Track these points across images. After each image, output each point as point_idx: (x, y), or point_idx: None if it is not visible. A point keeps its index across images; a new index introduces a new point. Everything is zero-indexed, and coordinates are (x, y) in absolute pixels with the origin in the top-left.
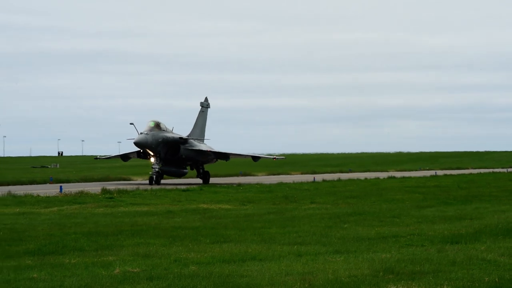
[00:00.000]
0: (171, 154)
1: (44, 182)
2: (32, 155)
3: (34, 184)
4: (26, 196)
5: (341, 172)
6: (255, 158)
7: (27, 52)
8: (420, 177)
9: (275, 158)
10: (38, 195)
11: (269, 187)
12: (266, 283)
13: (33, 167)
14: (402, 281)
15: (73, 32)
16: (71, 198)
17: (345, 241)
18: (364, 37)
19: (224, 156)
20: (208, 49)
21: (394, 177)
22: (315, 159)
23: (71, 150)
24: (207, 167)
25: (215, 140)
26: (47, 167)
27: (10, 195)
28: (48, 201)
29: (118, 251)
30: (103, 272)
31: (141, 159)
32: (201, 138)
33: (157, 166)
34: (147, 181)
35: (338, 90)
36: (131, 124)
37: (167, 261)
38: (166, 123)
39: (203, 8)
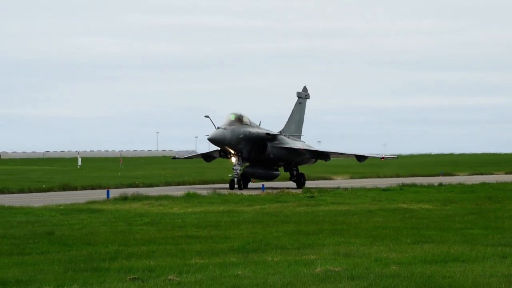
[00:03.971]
0: (256, 153)
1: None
2: None
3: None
4: (230, 195)
5: None
6: (360, 158)
7: (226, 54)
8: None
9: (383, 157)
10: (242, 194)
11: (471, 187)
12: (469, 284)
13: None
14: None
15: (274, 32)
16: (272, 197)
17: None
18: None
19: (323, 155)
20: (410, 47)
21: None
22: None
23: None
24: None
25: (416, 139)
26: None
27: (215, 193)
28: (251, 199)
29: (319, 250)
30: (305, 270)
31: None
32: (297, 134)
33: (239, 167)
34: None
35: None
36: (206, 117)
37: (368, 261)
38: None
39: (405, 6)
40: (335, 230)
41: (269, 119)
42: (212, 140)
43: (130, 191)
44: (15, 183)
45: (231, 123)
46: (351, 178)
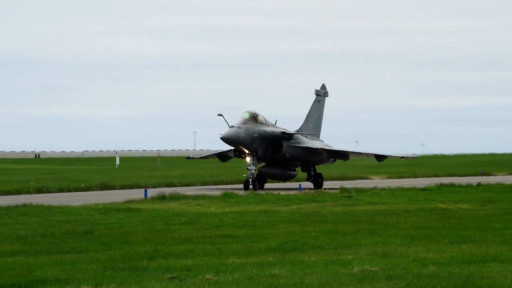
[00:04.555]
0: (271, 153)
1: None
2: None
3: (273, 182)
4: (267, 194)
5: None
6: (379, 158)
7: (265, 53)
8: None
9: (403, 157)
10: (279, 194)
11: (510, 187)
12: (508, 285)
13: None
14: None
15: (313, 31)
16: (310, 196)
17: None
18: None
19: (342, 155)
20: (446, 46)
21: None
22: None
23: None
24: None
25: (455, 139)
26: None
27: (252, 193)
28: (288, 199)
29: (357, 250)
30: (342, 270)
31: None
32: (315, 134)
33: (254, 167)
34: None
35: None
36: (219, 115)
37: (405, 261)
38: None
39: (436, 6)
40: (372, 230)
41: (299, 119)
42: (225, 140)
43: (167, 190)
44: (54, 183)
45: (245, 122)
46: (389, 178)
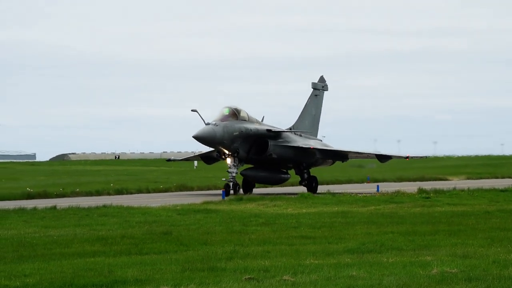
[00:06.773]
0: (256, 153)
1: (361, 182)
2: None
3: (351, 183)
4: (344, 195)
5: None
6: (381, 158)
7: (346, 53)
8: None
9: (408, 157)
10: (356, 195)
11: None
12: None
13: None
14: None
15: (391, 31)
16: (387, 197)
17: None
18: None
19: (340, 155)
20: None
21: None
22: None
23: (386, 150)
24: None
25: None
26: (363, 167)
27: (329, 193)
28: (365, 200)
29: (436, 251)
30: (421, 271)
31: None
32: (310, 131)
33: (235, 170)
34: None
35: None
36: (193, 111)
37: (485, 262)
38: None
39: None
40: (451, 231)
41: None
42: (199, 139)
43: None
44: (134, 184)
45: (224, 118)
46: (468, 179)
